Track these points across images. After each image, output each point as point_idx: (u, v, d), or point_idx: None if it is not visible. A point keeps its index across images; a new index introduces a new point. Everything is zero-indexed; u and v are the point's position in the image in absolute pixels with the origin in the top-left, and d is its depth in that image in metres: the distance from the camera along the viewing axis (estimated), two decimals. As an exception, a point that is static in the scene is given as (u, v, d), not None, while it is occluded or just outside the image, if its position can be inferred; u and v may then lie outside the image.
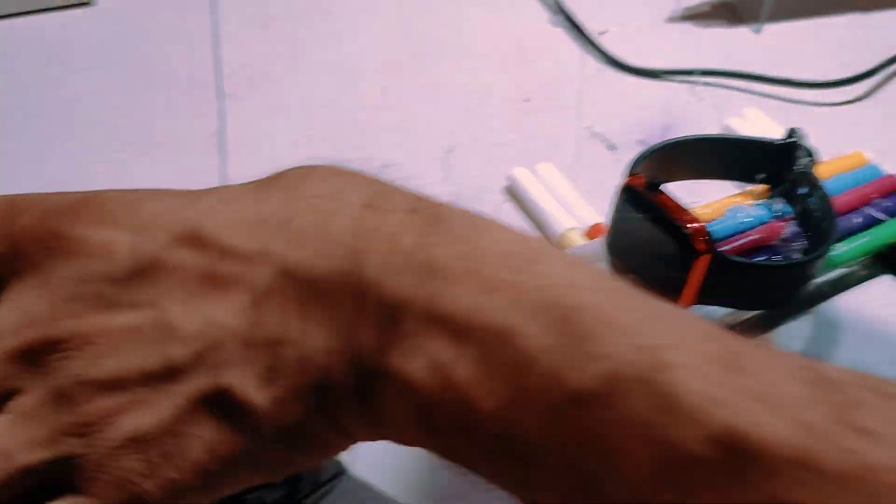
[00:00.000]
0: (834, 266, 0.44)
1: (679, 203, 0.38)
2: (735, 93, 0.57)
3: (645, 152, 0.42)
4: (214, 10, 0.62)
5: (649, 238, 0.38)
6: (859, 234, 0.44)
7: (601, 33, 0.62)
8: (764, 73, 0.57)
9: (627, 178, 0.39)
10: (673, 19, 0.64)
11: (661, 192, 0.38)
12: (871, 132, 0.54)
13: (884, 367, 0.41)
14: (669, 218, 0.37)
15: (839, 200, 0.46)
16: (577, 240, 0.44)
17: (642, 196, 0.38)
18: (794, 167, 0.43)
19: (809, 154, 0.43)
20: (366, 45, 0.60)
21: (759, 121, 0.52)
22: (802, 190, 0.43)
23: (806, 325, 0.43)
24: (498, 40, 0.61)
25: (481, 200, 0.48)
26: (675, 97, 0.56)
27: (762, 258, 0.43)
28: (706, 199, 0.48)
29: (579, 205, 0.46)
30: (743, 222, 0.44)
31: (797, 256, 0.41)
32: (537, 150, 0.52)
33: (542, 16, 0.63)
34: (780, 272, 0.37)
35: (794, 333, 0.42)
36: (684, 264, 0.37)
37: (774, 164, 0.44)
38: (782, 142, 0.44)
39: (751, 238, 0.44)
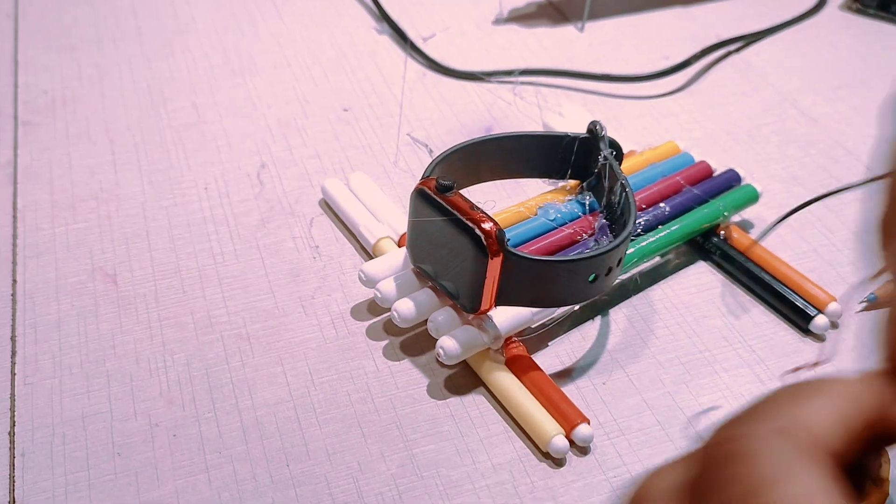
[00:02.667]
0: (648, 256, 0.43)
1: (471, 203, 0.37)
2: (556, 90, 0.57)
3: (442, 154, 0.41)
4: (17, 36, 0.59)
5: (444, 241, 0.37)
6: (671, 223, 0.44)
7: (426, 39, 0.61)
8: (582, 70, 0.58)
9: (419, 182, 0.38)
10: (499, 21, 0.64)
11: (454, 194, 0.37)
12: (687, 120, 0.55)
13: (698, 354, 0.41)
14: (460, 219, 0.36)
15: (652, 189, 0.46)
16: (390, 248, 0.43)
17: (434, 198, 0.37)
18: (598, 160, 0.43)
19: (612, 146, 0.43)
20: (179, 63, 0.57)
21: (578, 116, 0.52)
22: (606, 183, 0.43)
23: (622, 316, 0.42)
24: (320, 51, 0.59)
25: (295, 214, 0.47)
26: (498, 98, 0.56)
27: (574, 254, 0.42)
28: (525, 197, 0.48)
29: (391, 213, 0.45)
30: (555, 219, 0.44)
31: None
32: (355, 159, 0.51)
33: (368, 24, 0.62)
34: (573, 266, 0.36)
35: (610, 327, 0.42)
36: (479, 265, 0.36)
37: (580, 159, 0.44)
38: (584, 136, 0.43)
39: (563, 234, 0.43)
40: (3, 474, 0.34)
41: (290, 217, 0.47)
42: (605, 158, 0.42)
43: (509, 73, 0.57)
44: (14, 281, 0.42)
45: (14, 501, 0.34)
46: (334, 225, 0.46)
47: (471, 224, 0.36)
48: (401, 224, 0.44)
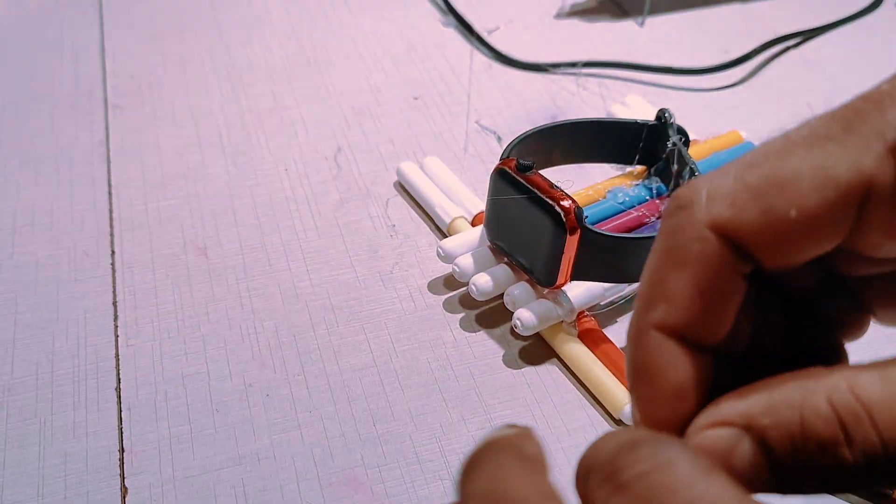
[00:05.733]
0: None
1: (550, 182, 0.39)
2: (619, 82, 0.59)
3: (518, 137, 0.43)
4: (103, 24, 0.62)
5: (523, 218, 0.39)
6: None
7: (490, 31, 0.63)
8: (644, 63, 0.59)
9: (499, 163, 0.40)
10: (560, 16, 0.65)
11: (533, 173, 0.39)
12: (747, 113, 0.56)
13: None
14: (540, 197, 0.38)
15: (715, 177, 0.48)
16: (464, 227, 0.45)
17: (514, 177, 0.39)
18: (666, 146, 0.45)
19: (679, 133, 0.45)
20: (256, 52, 0.60)
21: (640, 107, 0.54)
22: (675, 167, 0.45)
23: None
24: (389, 43, 0.62)
25: (371, 195, 0.49)
26: (562, 89, 0.58)
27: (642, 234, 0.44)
28: (591, 182, 0.50)
29: (464, 194, 0.47)
30: (623, 202, 0.46)
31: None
32: (426, 145, 0.53)
33: (434, 17, 0.65)
34: (646, 243, 0.38)
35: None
36: (557, 241, 0.38)
37: (648, 145, 0.46)
38: (653, 123, 0.45)
39: (632, 216, 0.45)
40: (113, 425, 0.37)
41: (366, 198, 0.49)
42: (674, 144, 0.44)
43: (573, 64, 0.59)
44: (113, 252, 0.45)
45: (123, 450, 0.36)
46: (409, 205, 0.49)
47: (550, 201, 0.38)
48: (473, 205, 0.46)
